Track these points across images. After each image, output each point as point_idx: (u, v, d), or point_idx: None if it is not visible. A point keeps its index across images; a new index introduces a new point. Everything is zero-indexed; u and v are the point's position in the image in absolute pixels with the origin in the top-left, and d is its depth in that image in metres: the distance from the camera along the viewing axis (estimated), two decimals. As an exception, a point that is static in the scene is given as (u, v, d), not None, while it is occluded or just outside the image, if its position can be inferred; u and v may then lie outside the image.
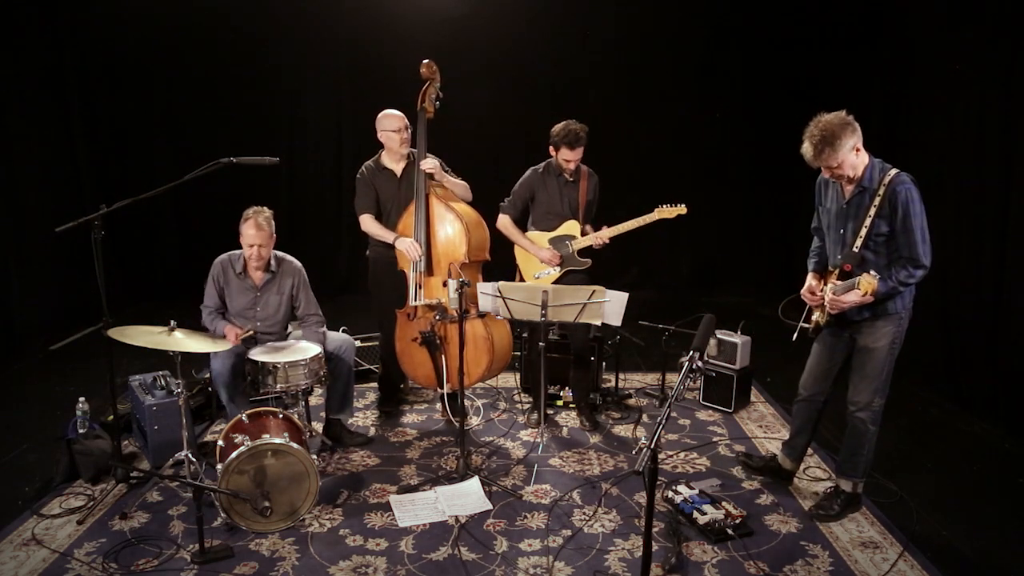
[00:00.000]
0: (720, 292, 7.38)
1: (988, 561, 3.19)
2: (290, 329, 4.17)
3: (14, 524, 3.40)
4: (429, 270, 4.24)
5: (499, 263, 4.55)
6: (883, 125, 5.87)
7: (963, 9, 4.85)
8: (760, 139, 7.17)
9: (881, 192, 3.09)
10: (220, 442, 3.45)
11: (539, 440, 4.26)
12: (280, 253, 4.05)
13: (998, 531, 3.40)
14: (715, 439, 4.34)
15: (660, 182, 6.69)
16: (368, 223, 4.33)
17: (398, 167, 4.32)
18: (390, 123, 4.24)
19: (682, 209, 4.18)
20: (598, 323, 3.86)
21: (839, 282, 3.21)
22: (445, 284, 4.18)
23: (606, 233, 4.24)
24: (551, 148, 4.24)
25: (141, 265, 7.18)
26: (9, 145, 5.84)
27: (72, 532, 3.33)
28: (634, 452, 4.13)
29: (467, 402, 4.70)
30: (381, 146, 4.36)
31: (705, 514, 3.36)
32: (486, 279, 3.97)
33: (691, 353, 2.51)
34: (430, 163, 4.18)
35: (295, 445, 3.30)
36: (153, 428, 3.82)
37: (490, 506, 3.56)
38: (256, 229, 3.80)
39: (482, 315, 4.16)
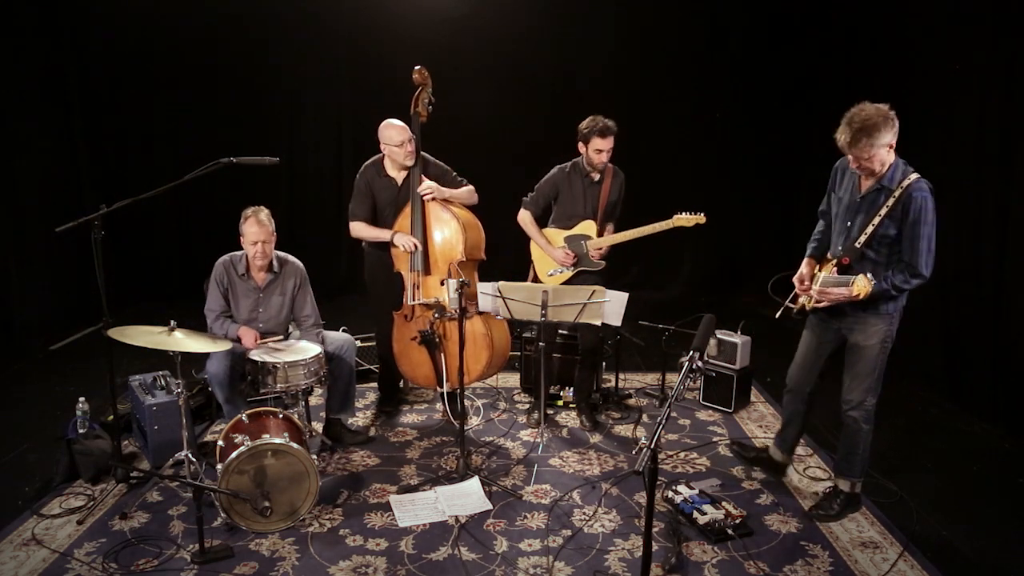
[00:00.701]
0: (720, 292, 7.38)
1: (988, 561, 3.19)
2: (291, 330, 4.17)
3: (14, 524, 3.40)
4: (426, 269, 4.25)
5: (508, 262, 4.55)
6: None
7: (963, 9, 4.85)
8: (760, 139, 7.17)
9: (897, 194, 3.07)
10: (220, 442, 3.45)
11: (539, 440, 4.26)
12: (282, 253, 4.05)
13: (998, 531, 3.40)
14: (715, 439, 4.34)
15: (660, 182, 6.68)
16: (360, 229, 4.32)
17: (399, 175, 4.32)
18: (395, 136, 4.17)
19: (700, 218, 4.13)
20: (598, 323, 3.86)
21: (833, 273, 3.21)
22: (442, 283, 4.19)
23: (611, 240, 4.25)
24: (580, 144, 4.23)
25: (141, 265, 7.17)
26: (9, 145, 5.84)
27: (72, 532, 3.33)
28: (634, 452, 4.14)
29: (467, 402, 4.70)
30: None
31: (705, 514, 3.36)
32: (494, 278, 3.96)
33: (691, 353, 2.52)
34: (427, 189, 4.19)
35: (295, 445, 3.30)
36: (153, 428, 3.82)
37: (490, 506, 3.56)
38: (258, 226, 3.81)
39: (480, 313, 4.17)
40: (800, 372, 3.59)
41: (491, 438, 4.35)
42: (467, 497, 3.62)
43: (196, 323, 3.83)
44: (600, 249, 4.28)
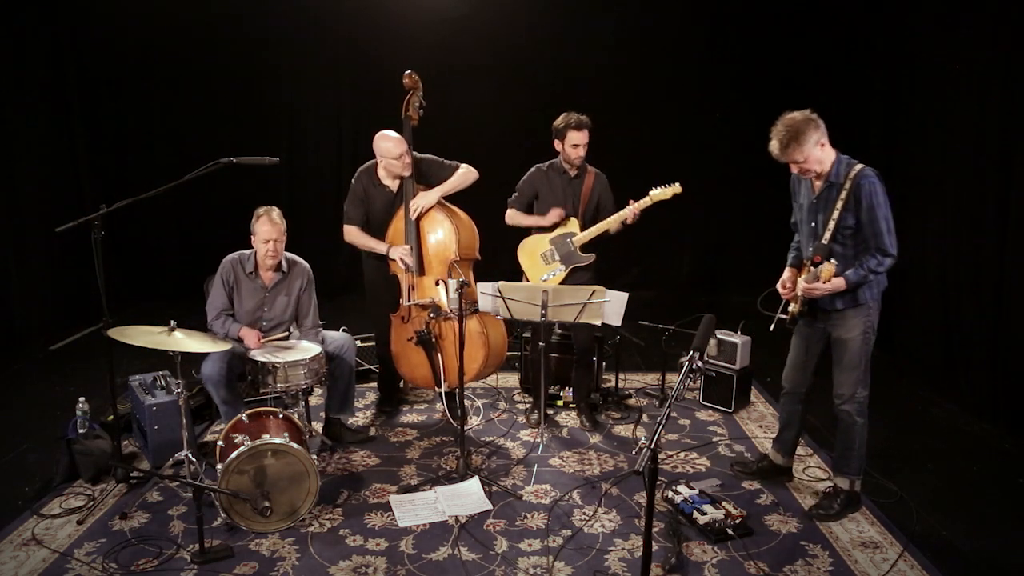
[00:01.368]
0: (720, 292, 7.38)
1: (988, 561, 3.19)
2: (291, 330, 4.16)
3: (14, 524, 3.40)
4: (421, 270, 4.26)
5: (508, 262, 4.55)
6: (883, 125, 5.88)
7: (963, 9, 4.85)
8: (761, 139, 7.10)
9: (847, 186, 3.21)
10: (220, 442, 3.45)
11: (539, 440, 4.26)
12: (291, 255, 4.05)
13: (998, 531, 3.40)
14: (715, 439, 4.34)
15: (660, 182, 6.67)
16: (353, 235, 4.33)
17: (394, 184, 4.33)
18: (392, 149, 4.17)
19: (677, 188, 4.19)
20: (598, 323, 3.86)
21: (811, 270, 3.31)
22: (438, 283, 4.21)
23: (595, 229, 4.24)
24: (556, 142, 4.25)
25: (141, 265, 7.18)
26: (9, 145, 5.83)
27: (72, 532, 3.33)
28: (634, 452, 4.14)
29: (467, 402, 4.70)
30: None
31: (705, 514, 3.36)
32: (493, 278, 3.96)
33: (691, 353, 2.52)
34: (417, 208, 4.20)
35: (295, 445, 3.30)
36: (153, 428, 3.82)
37: (490, 506, 3.56)
38: (270, 224, 3.82)
39: (475, 311, 4.17)
40: (794, 374, 3.64)
41: (491, 438, 4.35)
42: (467, 497, 3.62)
43: (196, 323, 3.83)
44: (588, 241, 4.27)
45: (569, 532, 3.36)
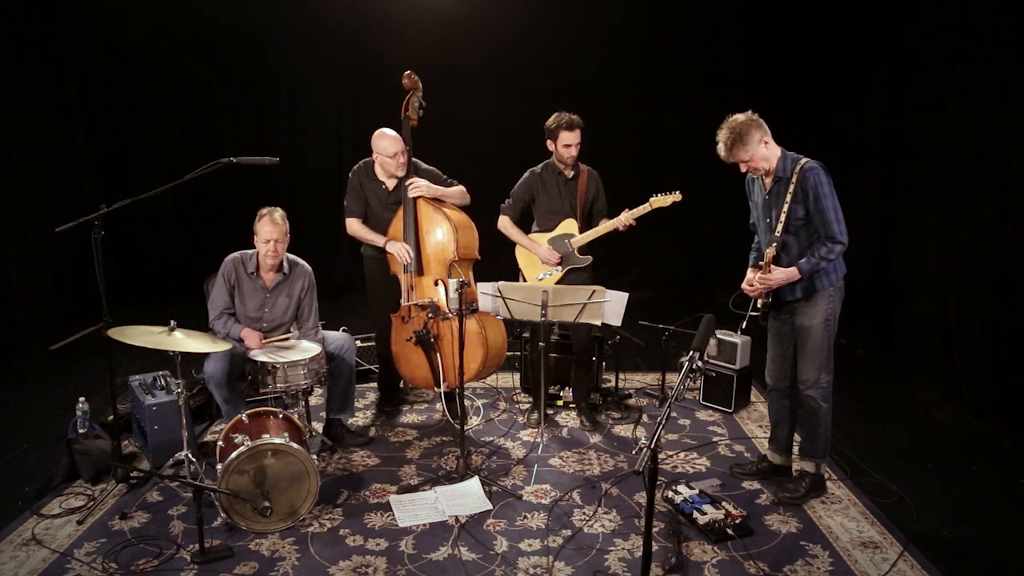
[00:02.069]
0: (720, 292, 7.37)
1: (988, 561, 3.18)
2: (292, 331, 4.16)
3: (14, 524, 3.40)
4: (420, 270, 4.27)
5: (508, 262, 4.55)
6: (883, 125, 5.88)
7: (963, 9, 4.85)
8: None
9: (794, 180, 3.33)
10: (220, 442, 3.45)
11: (539, 440, 4.26)
12: (292, 256, 4.06)
13: (998, 531, 3.40)
14: (715, 439, 4.34)
15: (660, 182, 6.64)
16: (355, 227, 4.35)
17: (390, 182, 4.34)
18: (388, 147, 4.20)
19: (676, 196, 4.21)
20: (598, 323, 3.86)
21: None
22: (437, 283, 4.21)
23: (594, 232, 4.24)
24: (548, 142, 4.26)
25: (141, 265, 7.18)
26: (9, 145, 5.84)
27: (72, 532, 3.33)
28: (634, 452, 4.14)
29: (467, 402, 4.70)
30: None
31: (705, 514, 3.36)
32: (493, 278, 3.96)
33: (691, 353, 2.52)
34: (417, 190, 4.20)
35: (295, 445, 3.30)
36: (153, 428, 3.82)
37: (490, 506, 3.56)
38: (272, 225, 3.83)
39: (474, 311, 4.17)
40: (774, 368, 3.71)
41: (491, 438, 4.35)
42: (467, 497, 3.62)
43: (196, 323, 3.84)
44: (586, 244, 4.27)
45: (569, 532, 3.36)
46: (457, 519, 3.45)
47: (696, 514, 3.38)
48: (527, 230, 4.45)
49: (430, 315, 4.20)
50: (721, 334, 4.68)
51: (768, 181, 3.46)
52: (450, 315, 4.11)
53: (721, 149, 3.38)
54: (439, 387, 4.28)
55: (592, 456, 4.11)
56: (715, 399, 4.74)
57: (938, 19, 5.13)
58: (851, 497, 3.66)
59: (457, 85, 6.69)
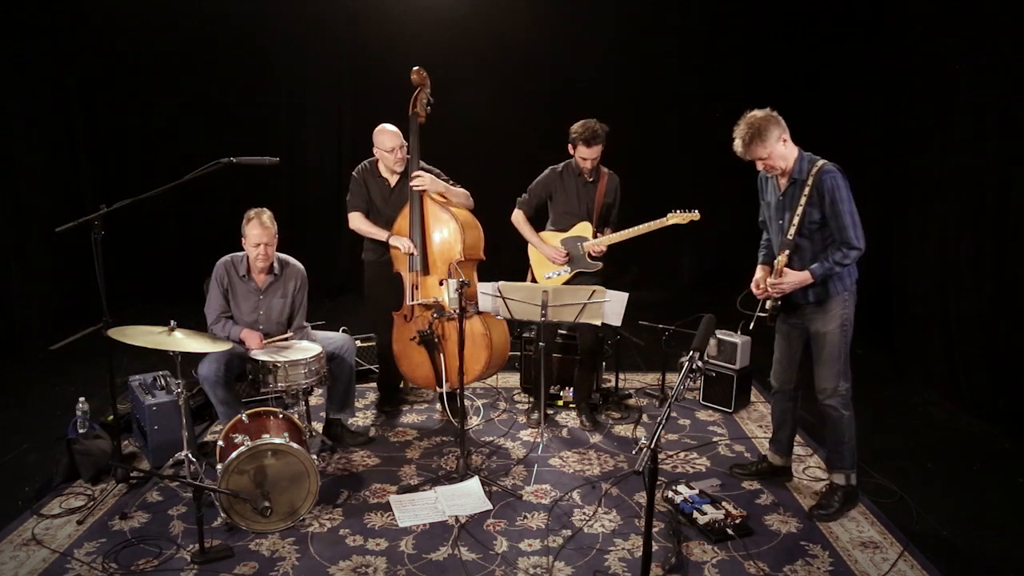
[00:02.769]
0: (721, 292, 7.37)
1: (988, 561, 3.19)
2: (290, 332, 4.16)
3: (14, 524, 3.40)
4: (425, 270, 4.26)
5: (509, 262, 4.55)
6: (883, 125, 5.88)
7: (963, 9, 4.84)
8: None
9: (810, 182, 3.27)
10: (220, 442, 3.45)
11: (539, 440, 4.26)
12: (283, 256, 4.05)
13: (998, 531, 3.40)
14: (715, 439, 4.34)
15: (660, 182, 6.69)
16: (358, 221, 4.35)
17: (392, 178, 4.34)
18: (386, 142, 4.23)
19: (695, 215, 4.18)
20: (598, 323, 3.86)
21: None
22: (442, 283, 4.20)
23: (607, 239, 4.24)
24: (570, 146, 4.24)
25: (141, 265, 7.18)
26: (9, 145, 5.84)
27: (72, 532, 3.33)
28: (634, 452, 4.13)
29: (467, 402, 4.70)
30: None
31: (705, 514, 3.36)
32: (494, 278, 3.97)
33: (691, 353, 2.52)
34: (420, 182, 4.20)
35: (295, 445, 3.30)
36: (153, 428, 3.82)
37: (490, 506, 3.56)
38: (261, 228, 3.81)
39: (479, 313, 4.17)
40: (780, 371, 3.67)
41: (491, 438, 4.35)
42: (467, 497, 3.62)
43: (196, 323, 3.83)
44: (599, 249, 4.27)
45: (569, 532, 3.36)
46: (457, 519, 3.45)
47: (696, 514, 3.38)
48: (541, 228, 4.44)
49: (435, 315, 4.19)
50: (721, 334, 4.68)
51: (783, 181, 3.39)
52: (455, 316, 4.10)
53: (738, 145, 3.30)
54: (441, 387, 4.28)
55: (592, 456, 4.11)
56: (715, 399, 4.74)
57: (938, 19, 5.13)
58: (851, 497, 3.65)
59: (457, 85, 6.68)
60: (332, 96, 7.31)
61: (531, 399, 4.73)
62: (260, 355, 3.72)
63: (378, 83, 6.82)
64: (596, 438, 4.35)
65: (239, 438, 3.28)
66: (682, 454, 4.14)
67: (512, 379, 5.17)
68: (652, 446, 2.27)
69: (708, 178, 7.25)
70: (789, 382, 3.66)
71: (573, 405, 4.67)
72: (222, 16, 6.82)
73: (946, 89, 5.01)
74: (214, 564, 3.08)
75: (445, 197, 4.32)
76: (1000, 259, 4.53)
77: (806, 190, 3.27)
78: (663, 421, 2.35)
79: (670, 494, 3.54)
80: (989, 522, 3.47)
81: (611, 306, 3.78)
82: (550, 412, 4.65)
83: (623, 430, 4.47)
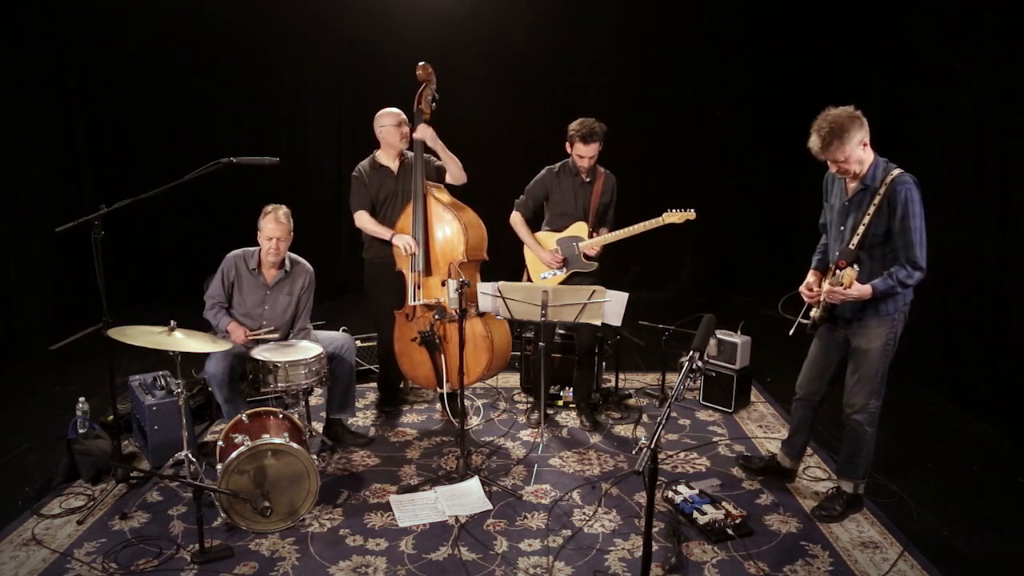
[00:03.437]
0: (721, 292, 7.38)
1: (988, 561, 3.19)
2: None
3: (14, 524, 3.40)
4: (427, 270, 4.25)
5: (508, 262, 4.55)
6: (883, 125, 5.84)
7: (963, 9, 4.85)
8: (760, 139, 7.17)
9: (882, 191, 3.08)
10: (220, 442, 3.45)
11: (539, 440, 4.26)
12: (294, 255, 4.06)
13: (998, 531, 3.40)
14: (715, 439, 4.34)
15: (661, 182, 6.69)
16: (363, 219, 4.35)
17: (394, 164, 4.34)
18: (389, 119, 4.29)
19: (691, 214, 4.14)
20: (598, 323, 3.86)
21: (836, 274, 3.20)
22: (444, 284, 4.19)
23: (603, 240, 4.24)
24: (567, 144, 4.23)
25: (141, 265, 7.18)
26: (9, 145, 5.84)
27: (72, 532, 3.33)
28: (634, 452, 4.13)
29: (467, 402, 4.70)
30: (378, 145, 4.37)
31: (705, 514, 3.36)
32: (493, 278, 3.97)
33: (691, 353, 2.52)
34: (423, 130, 4.19)
35: (295, 445, 3.30)
36: (153, 428, 3.82)
37: (490, 506, 3.56)
38: (276, 223, 3.85)
39: (481, 314, 4.16)
40: (810, 381, 3.58)
41: (491, 438, 4.35)
42: (467, 497, 3.62)
43: (196, 323, 3.83)
44: (594, 249, 4.27)
45: (569, 532, 3.36)
46: (457, 519, 3.45)
47: (696, 514, 3.37)
48: (537, 227, 4.44)
49: (436, 316, 4.18)
50: (721, 334, 4.68)
51: (852, 186, 3.18)
52: (456, 317, 4.09)
53: (815, 143, 3.06)
54: (441, 388, 4.28)
55: (592, 456, 4.11)
56: (715, 399, 4.74)
57: (938, 19, 5.13)
58: (851, 497, 3.65)
59: (457, 85, 6.65)
60: (332, 96, 7.31)
61: (531, 399, 4.73)
62: (260, 355, 3.72)
63: (378, 83, 6.82)
64: (596, 438, 4.35)
65: (239, 438, 3.28)
66: (682, 454, 4.14)
67: (512, 379, 5.18)
68: (652, 446, 2.27)
69: (708, 178, 7.27)
70: (816, 393, 3.57)
71: (573, 405, 4.67)
72: (222, 16, 6.82)
73: (946, 89, 5.01)
74: (214, 564, 3.09)
75: (443, 187, 4.32)
76: (1000, 259, 4.53)
77: (876, 199, 3.08)
78: (663, 421, 2.35)
79: (670, 494, 3.54)
80: (989, 522, 3.47)
81: (611, 306, 3.78)
82: (550, 412, 4.65)
83: (623, 430, 4.47)
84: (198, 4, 6.77)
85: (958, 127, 4.90)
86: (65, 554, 3.16)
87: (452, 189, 4.43)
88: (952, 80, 4.93)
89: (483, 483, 3.72)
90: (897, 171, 3.11)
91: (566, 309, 3.84)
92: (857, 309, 3.22)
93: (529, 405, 4.72)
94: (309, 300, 4.10)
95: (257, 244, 3.97)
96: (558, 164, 4.37)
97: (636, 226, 4.19)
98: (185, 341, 3.36)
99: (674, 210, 4.16)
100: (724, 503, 3.45)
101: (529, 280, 4.46)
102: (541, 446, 4.20)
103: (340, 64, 7.23)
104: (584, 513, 3.52)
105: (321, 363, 3.79)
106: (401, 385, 4.88)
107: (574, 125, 4.16)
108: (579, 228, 4.31)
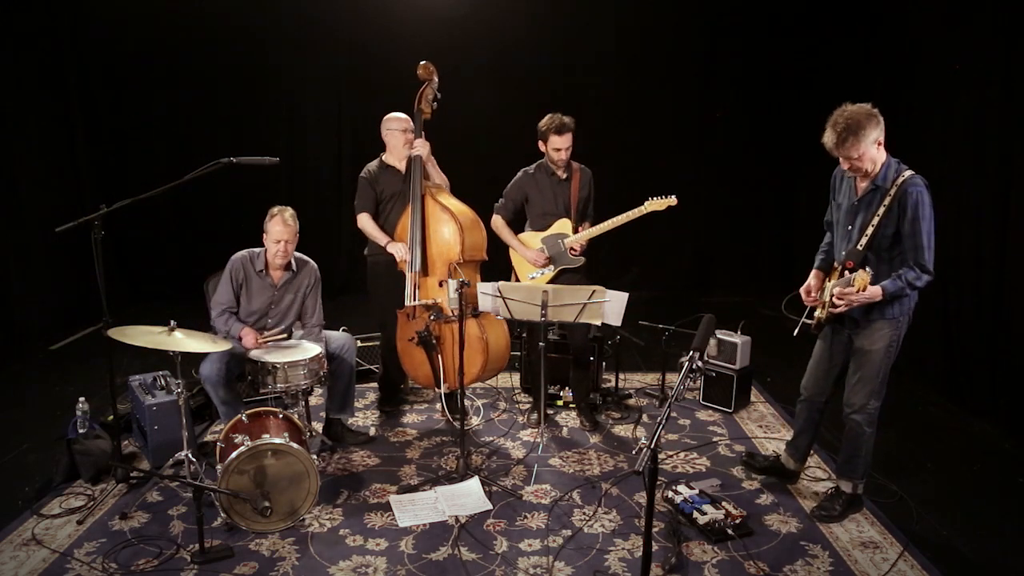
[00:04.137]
0: (720, 292, 7.38)
1: (988, 561, 3.19)
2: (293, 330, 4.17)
3: (14, 524, 3.40)
4: (425, 271, 4.25)
5: (501, 263, 4.55)
6: (883, 125, 5.87)
7: (963, 9, 4.85)
8: (760, 138, 7.17)
9: (892, 192, 3.07)
10: (220, 442, 3.45)
11: (539, 440, 4.26)
12: (300, 255, 4.06)
13: (998, 531, 3.40)
14: (715, 439, 4.34)
15: (660, 182, 6.59)
16: (364, 222, 4.37)
17: (401, 164, 4.36)
18: (396, 123, 4.32)
19: (672, 200, 4.13)
20: (598, 323, 3.85)
21: (846, 275, 3.18)
22: (441, 284, 4.20)
23: (588, 233, 4.24)
24: (540, 143, 4.25)
25: (141, 265, 7.18)
26: (9, 145, 5.84)
27: (72, 532, 3.33)
28: (634, 452, 4.13)
29: (467, 402, 4.70)
30: (382, 147, 4.38)
31: (705, 514, 3.36)
32: (493, 278, 3.97)
33: (691, 353, 2.51)
34: (421, 146, 4.22)
35: (295, 445, 3.30)
36: (153, 428, 3.82)
37: (490, 506, 3.56)
38: (283, 225, 3.84)
39: (477, 315, 4.16)
40: (815, 382, 3.57)
41: (491, 438, 4.35)
42: (467, 497, 3.62)
43: (196, 323, 3.83)
44: (581, 244, 4.27)
45: (569, 532, 3.36)
46: (457, 519, 3.45)
47: (696, 514, 3.38)
48: (520, 229, 4.44)
49: (432, 316, 4.19)
50: (721, 334, 4.68)
51: (863, 185, 3.16)
52: (454, 318, 4.09)
53: (830, 138, 3.02)
54: (439, 388, 4.28)
55: (592, 456, 4.11)
56: (715, 399, 4.74)
57: (938, 19, 5.13)
58: (851, 497, 3.65)
59: (457, 85, 6.65)
60: (332, 96, 7.31)
61: (531, 399, 4.73)
62: (259, 355, 3.72)
63: (378, 83, 6.82)
64: (596, 438, 4.35)
65: (239, 438, 3.28)
66: (682, 454, 4.14)
67: (512, 379, 5.17)
68: (652, 446, 2.27)
69: (708, 178, 7.27)
70: (821, 394, 3.56)
71: (573, 405, 4.67)
72: (222, 16, 6.82)
73: (946, 89, 5.01)
74: (214, 564, 3.09)
75: (441, 187, 4.34)
76: (1000, 259, 4.53)
77: (887, 200, 3.05)
78: (663, 421, 2.35)
79: (670, 494, 3.54)
80: (989, 522, 3.47)
81: (611, 306, 3.78)
82: (550, 412, 4.65)
83: (623, 430, 4.47)
84: (198, 4, 6.77)
85: (958, 127, 4.89)
86: (65, 554, 3.16)
87: (455, 189, 4.43)
88: (952, 80, 4.93)
89: (483, 483, 3.72)
90: (908, 173, 3.10)
91: (566, 309, 3.84)
92: (864, 311, 3.21)
93: (529, 405, 4.72)
94: (317, 298, 4.10)
95: (259, 244, 3.96)
96: (533, 165, 4.38)
97: (619, 217, 4.19)
98: (185, 341, 3.36)
99: (655, 198, 4.14)
100: (724, 503, 3.45)
101: (518, 281, 4.45)
102: (541, 446, 4.20)
103: (340, 64, 7.23)
104: (584, 513, 3.52)
105: (320, 363, 3.79)
106: (401, 385, 4.88)
107: (544, 121, 4.20)
108: (562, 225, 4.32)
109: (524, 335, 4.78)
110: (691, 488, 3.58)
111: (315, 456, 3.74)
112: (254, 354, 3.76)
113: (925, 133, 5.28)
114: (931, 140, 5.20)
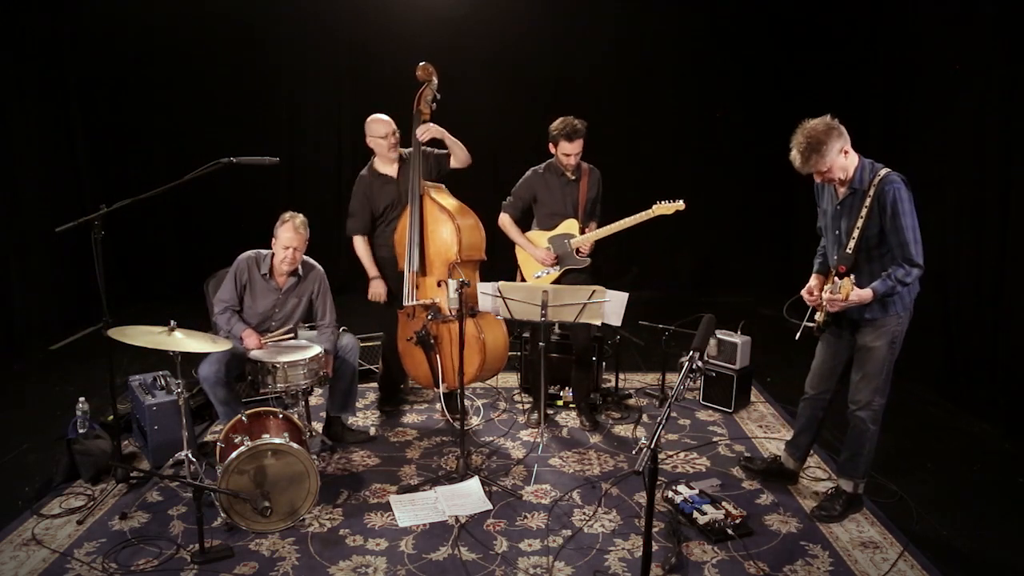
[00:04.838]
0: (720, 292, 7.38)
1: (988, 561, 3.19)
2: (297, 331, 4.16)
3: (14, 524, 3.40)
4: (423, 270, 4.25)
5: (500, 263, 4.55)
6: (883, 125, 5.88)
7: (963, 9, 4.85)
8: (760, 138, 7.16)
9: (871, 192, 3.11)
10: (220, 442, 3.45)
11: (539, 440, 4.26)
12: (307, 259, 4.05)
13: (998, 531, 3.40)
14: (715, 439, 4.34)
15: (660, 182, 6.67)
16: (358, 246, 4.41)
17: (393, 169, 4.34)
18: (377, 129, 4.26)
19: (680, 205, 4.13)
20: (598, 323, 3.85)
21: (836, 281, 3.21)
22: (440, 284, 4.20)
23: (594, 235, 4.24)
24: (550, 145, 4.24)
25: (141, 265, 7.18)
26: (9, 145, 5.84)
27: (72, 532, 3.33)
28: (634, 452, 4.13)
29: (467, 402, 4.70)
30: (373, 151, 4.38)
31: (705, 514, 3.36)
32: (493, 278, 3.96)
33: (691, 353, 2.52)
34: (427, 133, 4.17)
35: (295, 445, 3.30)
36: (153, 428, 3.82)
37: (490, 506, 3.56)
38: (294, 232, 3.83)
39: (474, 315, 4.16)
40: (819, 380, 3.57)
41: (491, 438, 4.35)
42: (467, 497, 3.62)
43: (196, 323, 3.83)
44: (587, 245, 4.27)
45: (569, 532, 3.36)
46: (457, 519, 3.45)
47: (696, 514, 3.38)
48: (528, 228, 4.44)
49: (430, 316, 4.19)
50: (721, 334, 4.68)
51: (842, 191, 3.22)
52: (451, 317, 4.09)
53: (796, 159, 3.11)
54: (438, 387, 4.28)
55: (592, 456, 4.11)
56: (715, 399, 4.74)
57: (938, 19, 5.13)
58: (851, 497, 3.65)
59: (457, 85, 6.66)
60: (332, 96, 7.31)
61: (531, 399, 4.73)
62: (259, 355, 3.72)
63: (378, 83, 6.82)
64: (596, 438, 4.35)
65: (239, 438, 3.28)
66: (682, 454, 4.14)
67: (512, 379, 5.17)
68: (652, 446, 2.27)
69: (708, 178, 7.28)
70: (826, 392, 3.57)
71: (573, 405, 4.67)
72: (222, 16, 6.82)
73: (946, 89, 5.01)
74: (214, 564, 3.09)
75: (441, 187, 4.33)
76: (1000, 259, 4.53)
77: (867, 201, 3.10)
78: (663, 421, 2.35)
79: (670, 494, 3.54)
80: (989, 522, 3.47)
81: (611, 306, 3.78)
82: (550, 412, 4.65)
83: (623, 430, 4.47)
84: (198, 4, 6.77)
85: (958, 127, 4.89)
86: (65, 554, 3.16)
87: (455, 189, 4.43)
88: (952, 80, 4.93)
89: (483, 483, 3.72)
90: (884, 171, 3.14)
91: (566, 309, 3.84)
92: (863, 311, 3.22)
93: (529, 405, 4.72)
94: (328, 300, 4.09)
95: (259, 244, 3.95)
96: (543, 165, 4.37)
97: (626, 220, 4.19)
98: (185, 341, 3.36)
99: (663, 202, 4.14)
100: (724, 503, 3.45)
101: (523, 280, 4.46)
102: (541, 446, 4.20)
103: (340, 64, 7.23)
104: (584, 513, 3.52)
105: (320, 363, 3.79)
106: (401, 385, 4.88)
107: (556, 124, 4.18)
108: (570, 225, 4.32)
109: (525, 335, 4.78)
110: (691, 488, 3.58)
111: (315, 456, 3.74)
112: (254, 354, 3.76)
113: (925, 133, 5.29)
114: (931, 140, 5.20)
